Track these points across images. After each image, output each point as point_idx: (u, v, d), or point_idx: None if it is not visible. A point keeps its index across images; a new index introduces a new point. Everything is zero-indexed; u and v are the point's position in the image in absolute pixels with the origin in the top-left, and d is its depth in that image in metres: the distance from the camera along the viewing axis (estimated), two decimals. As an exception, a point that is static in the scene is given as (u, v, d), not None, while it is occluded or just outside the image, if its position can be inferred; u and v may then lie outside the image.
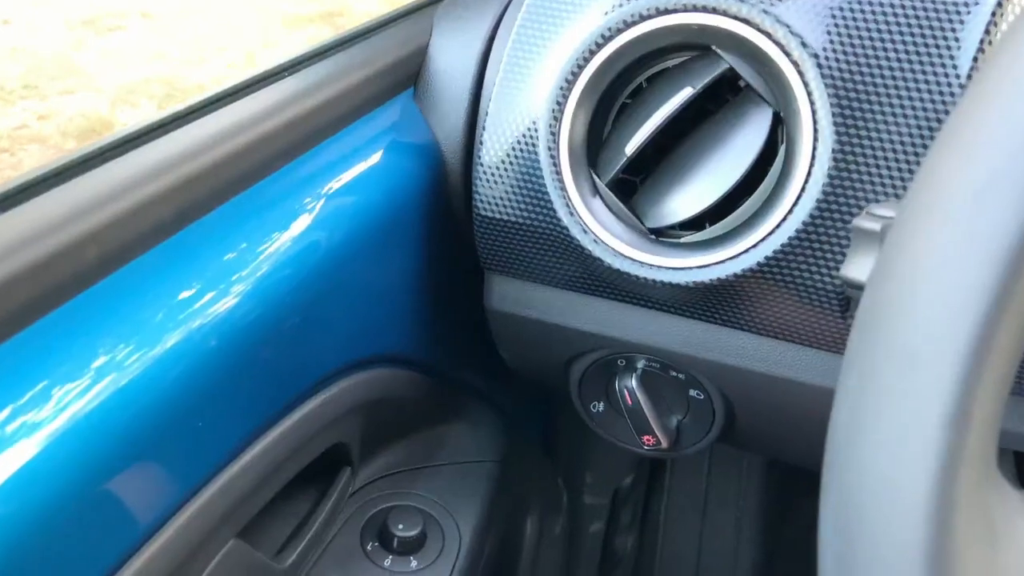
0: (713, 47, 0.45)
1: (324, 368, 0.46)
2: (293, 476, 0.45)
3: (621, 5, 0.46)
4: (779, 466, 0.95)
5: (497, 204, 0.50)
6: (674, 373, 0.54)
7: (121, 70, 2.54)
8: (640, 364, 0.55)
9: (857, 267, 0.31)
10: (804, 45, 0.43)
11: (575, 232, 0.47)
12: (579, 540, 0.89)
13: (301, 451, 0.45)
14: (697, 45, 0.46)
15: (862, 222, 0.31)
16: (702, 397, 0.54)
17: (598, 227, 0.47)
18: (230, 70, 2.58)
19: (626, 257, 0.46)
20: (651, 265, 0.46)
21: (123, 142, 0.40)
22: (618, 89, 0.49)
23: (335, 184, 0.48)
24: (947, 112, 0.42)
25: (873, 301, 0.24)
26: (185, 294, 0.38)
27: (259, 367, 0.42)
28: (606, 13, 0.46)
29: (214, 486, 0.38)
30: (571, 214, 0.47)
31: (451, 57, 0.53)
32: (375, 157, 0.51)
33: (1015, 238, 0.21)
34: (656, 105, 0.46)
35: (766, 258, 0.44)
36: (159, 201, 0.38)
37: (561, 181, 0.47)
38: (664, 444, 0.55)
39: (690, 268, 0.45)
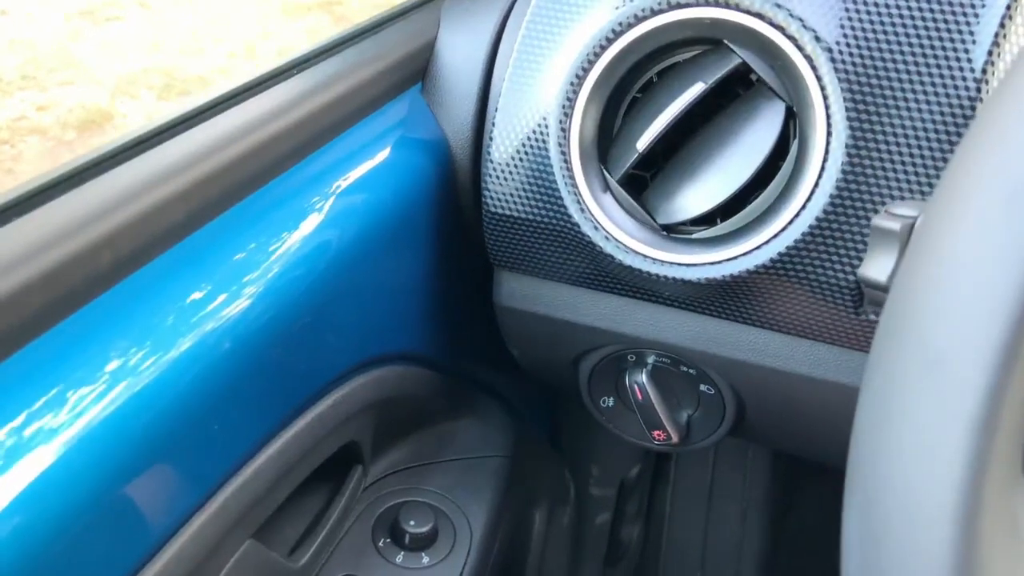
0: (725, 41, 0.45)
1: (337, 367, 0.46)
2: (306, 476, 0.45)
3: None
4: (785, 456, 0.95)
5: (507, 200, 0.49)
6: (684, 368, 0.54)
7: (120, 61, 2.53)
8: (650, 359, 0.54)
9: (877, 267, 0.31)
10: (818, 39, 0.42)
11: (586, 229, 0.47)
12: (586, 531, 0.89)
13: (314, 451, 0.45)
14: (709, 39, 0.46)
15: (881, 221, 0.31)
16: (713, 392, 0.54)
17: (609, 223, 0.46)
18: (230, 60, 2.56)
19: (637, 253, 0.46)
20: (663, 261, 0.46)
21: (132, 145, 0.40)
22: (628, 84, 0.48)
23: (344, 182, 0.48)
24: (961, 107, 0.41)
25: (898, 303, 0.24)
26: (197, 297, 0.38)
27: (272, 368, 0.41)
28: (617, 8, 0.46)
29: (229, 488, 0.38)
30: (582, 211, 0.47)
31: (459, 52, 0.53)
32: (384, 154, 0.50)
33: None
34: (667, 100, 0.46)
35: (779, 254, 0.44)
36: (171, 204, 0.38)
37: (572, 177, 0.47)
38: (674, 439, 0.55)
39: (702, 264, 0.45)
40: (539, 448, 0.75)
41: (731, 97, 0.47)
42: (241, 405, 0.39)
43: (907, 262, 0.24)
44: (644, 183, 0.49)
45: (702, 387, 0.54)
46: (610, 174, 0.48)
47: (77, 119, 2.25)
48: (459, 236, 0.54)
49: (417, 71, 0.54)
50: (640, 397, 0.54)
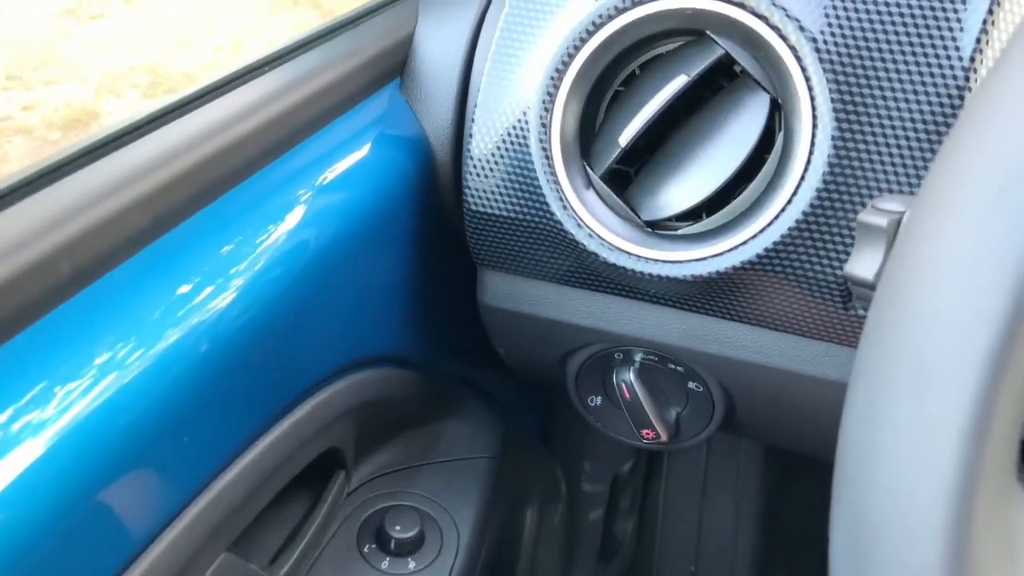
0: (707, 32, 0.44)
1: (317, 371, 0.45)
2: (285, 484, 0.44)
3: None
4: (778, 449, 0.95)
5: (488, 198, 0.48)
6: (672, 366, 0.53)
7: (105, 58, 2.51)
8: (638, 357, 0.53)
9: (863, 265, 0.30)
10: (802, 28, 0.41)
11: (569, 226, 0.46)
12: (579, 528, 0.88)
13: (294, 458, 0.44)
14: (691, 30, 0.45)
15: (867, 217, 0.30)
16: (701, 389, 0.53)
17: (592, 220, 0.45)
18: (216, 55, 2.54)
19: (622, 251, 0.45)
20: (647, 259, 0.45)
21: (99, 146, 0.39)
22: (610, 77, 0.47)
23: (321, 181, 0.46)
24: (950, 97, 0.40)
25: (884, 305, 0.23)
26: (171, 300, 0.37)
27: (249, 373, 0.40)
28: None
29: (203, 500, 0.37)
30: (564, 208, 0.46)
31: (437, 47, 0.52)
32: (362, 152, 0.49)
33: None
34: (650, 93, 0.45)
35: (765, 249, 0.43)
36: (142, 205, 0.37)
37: (554, 174, 0.46)
38: (663, 437, 0.54)
39: (687, 261, 0.44)
40: (529, 446, 0.74)
41: (715, 89, 0.46)
42: (215, 412, 0.38)
43: (893, 261, 0.23)
44: (628, 179, 0.47)
45: (690, 384, 0.54)
46: (593, 170, 0.47)
47: (62, 118, 2.22)
48: (441, 235, 0.53)
49: (395, 66, 0.53)
50: (628, 396, 0.53)
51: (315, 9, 2.80)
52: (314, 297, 0.44)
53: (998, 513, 0.21)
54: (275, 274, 0.42)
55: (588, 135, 0.47)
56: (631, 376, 0.53)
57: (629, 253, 0.45)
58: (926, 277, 0.21)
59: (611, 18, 0.44)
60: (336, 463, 0.50)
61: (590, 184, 0.47)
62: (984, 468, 0.21)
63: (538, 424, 0.81)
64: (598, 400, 0.56)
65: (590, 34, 0.45)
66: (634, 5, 0.43)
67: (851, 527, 0.22)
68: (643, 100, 0.45)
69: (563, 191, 0.46)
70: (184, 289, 0.38)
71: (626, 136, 0.44)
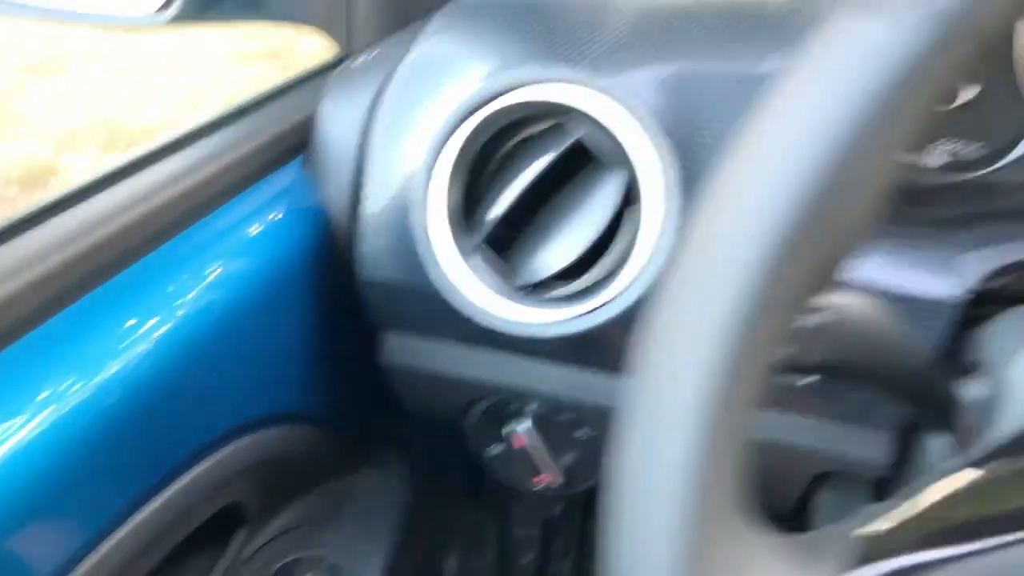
0: (565, 118, 0.48)
1: (216, 430, 0.48)
2: (181, 540, 0.47)
3: (482, 80, 0.49)
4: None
5: (379, 265, 0.52)
6: (563, 415, 0.57)
7: (66, 115, 2.53)
8: (531, 407, 0.57)
9: None
10: (646, 114, 0.46)
11: (445, 292, 0.49)
12: (511, 573, 0.90)
13: (192, 514, 0.46)
14: (554, 114, 0.49)
15: None
16: (591, 436, 0.57)
17: (468, 286, 0.49)
18: (176, 110, 2.58)
19: (493, 315, 0.49)
20: (519, 322, 0.49)
21: (12, 226, 0.42)
22: (492, 152, 0.52)
23: (226, 251, 0.50)
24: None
25: (635, 363, 0.27)
26: (78, 363, 0.40)
27: (149, 431, 0.43)
28: (468, 87, 0.49)
29: (96, 555, 0.40)
30: (441, 275, 0.50)
31: (338, 125, 0.56)
32: (266, 223, 0.53)
33: (731, 322, 0.24)
34: (521, 170, 0.49)
35: (627, 308, 0.47)
36: (46, 280, 0.40)
37: (430, 243, 0.50)
38: (557, 483, 0.58)
39: (555, 322, 0.48)
40: (449, 493, 0.77)
41: (584, 162, 0.50)
42: (111, 470, 0.41)
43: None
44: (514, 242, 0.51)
45: (581, 431, 0.57)
46: (475, 237, 0.51)
47: (20, 175, 2.24)
48: (342, 298, 0.57)
49: (300, 143, 0.57)
50: (521, 444, 0.57)
51: (275, 62, 2.85)
52: (217, 359, 0.48)
53: (732, 556, 0.25)
54: (180, 336, 0.45)
55: (475, 204, 0.51)
56: (525, 426, 0.57)
57: (499, 316, 0.49)
58: (654, 341, 0.26)
59: (480, 107, 0.48)
60: (238, 520, 0.53)
61: (473, 250, 0.51)
62: (710, 515, 0.24)
63: (463, 471, 0.84)
64: (497, 449, 0.60)
65: (464, 118, 0.49)
66: (498, 96, 0.48)
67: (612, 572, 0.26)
68: (516, 175, 0.49)
69: (439, 259, 0.49)
70: (92, 352, 0.41)
71: (495, 211, 0.49)
